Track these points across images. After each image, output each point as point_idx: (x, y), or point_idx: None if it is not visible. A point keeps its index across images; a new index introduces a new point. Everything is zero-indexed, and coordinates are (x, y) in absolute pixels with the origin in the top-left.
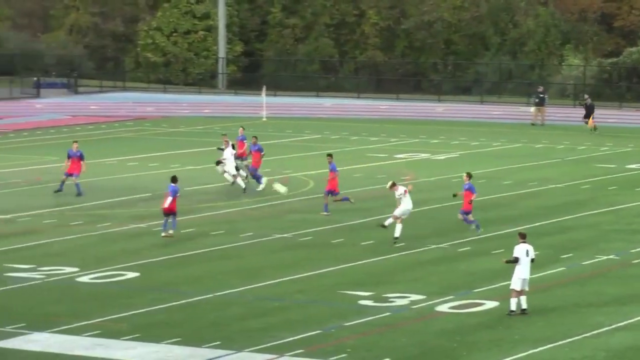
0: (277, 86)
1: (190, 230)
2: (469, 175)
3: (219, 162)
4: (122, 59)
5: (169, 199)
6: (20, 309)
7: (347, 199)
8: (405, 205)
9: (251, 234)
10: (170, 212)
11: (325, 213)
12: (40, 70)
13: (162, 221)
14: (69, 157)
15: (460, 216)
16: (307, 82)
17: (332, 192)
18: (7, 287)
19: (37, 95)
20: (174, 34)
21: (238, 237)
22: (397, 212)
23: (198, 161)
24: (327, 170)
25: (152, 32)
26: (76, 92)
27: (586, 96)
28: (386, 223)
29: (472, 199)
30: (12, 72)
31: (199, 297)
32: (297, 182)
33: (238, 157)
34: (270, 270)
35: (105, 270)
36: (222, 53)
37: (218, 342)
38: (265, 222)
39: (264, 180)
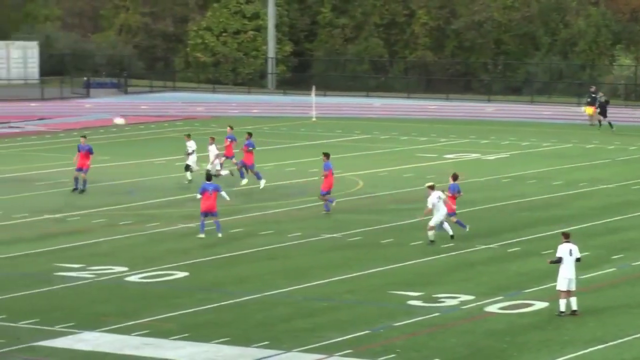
0: (327, 86)
1: (238, 230)
2: (455, 177)
3: (188, 167)
4: (172, 59)
5: (200, 195)
6: (69, 308)
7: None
8: (440, 212)
9: (299, 234)
10: (209, 212)
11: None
12: (90, 70)
13: (210, 222)
14: (79, 151)
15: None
16: (356, 82)
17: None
18: (57, 287)
19: (87, 95)
20: (224, 34)
21: (286, 237)
22: (432, 222)
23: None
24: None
25: (201, 32)
26: (126, 92)
27: (601, 94)
28: (432, 239)
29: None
30: (62, 72)
31: (247, 297)
32: (346, 182)
33: (225, 155)
34: (318, 270)
35: (154, 270)
36: (271, 53)
37: (266, 342)
38: (313, 222)
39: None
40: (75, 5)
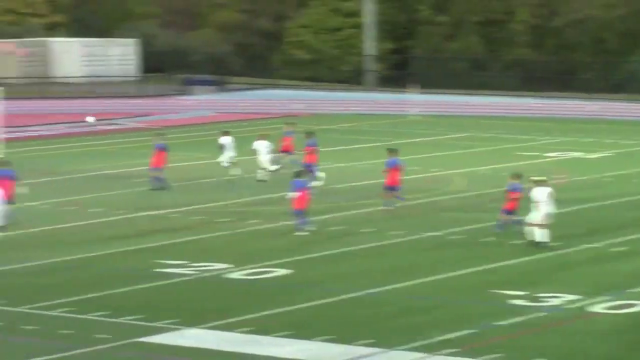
0: (426, 84)
1: (340, 227)
2: (516, 176)
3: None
4: (270, 57)
5: (295, 194)
6: (172, 305)
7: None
8: (546, 209)
9: (401, 232)
10: (300, 210)
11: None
12: (189, 67)
13: (308, 219)
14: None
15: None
16: (456, 80)
17: (392, 188)
18: (159, 283)
19: (186, 93)
20: (322, 32)
21: (388, 235)
22: (538, 219)
23: (347, 158)
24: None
25: (299, 30)
26: (225, 90)
27: None
28: (533, 238)
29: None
30: (161, 70)
31: (351, 295)
32: (446, 180)
33: (283, 151)
34: (421, 268)
35: (256, 267)
36: (370, 50)
37: (370, 340)
38: (415, 220)
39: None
40: (174, 3)
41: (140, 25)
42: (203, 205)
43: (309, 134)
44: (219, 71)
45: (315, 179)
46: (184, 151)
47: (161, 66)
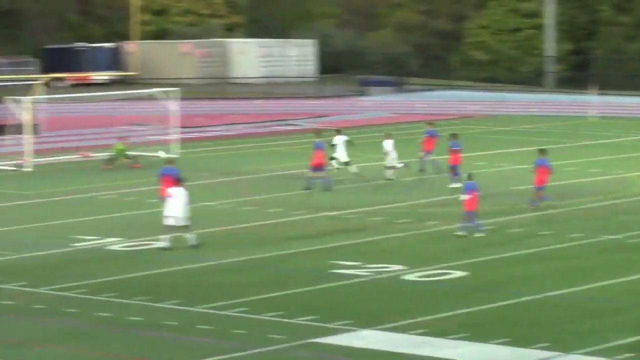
0: (607, 85)
1: (518, 230)
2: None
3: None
4: (448, 57)
5: (466, 196)
6: (347, 306)
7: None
8: None
9: (580, 234)
10: (471, 211)
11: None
12: (367, 68)
13: (479, 221)
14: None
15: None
16: (637, 81)
17: (538, 188)
18: (334, 284)
19: (364, 93)
20: (501, 32)
21: (566, 238)
22: None
23: (524, 160)
24: None
25: (478, 30)
26: (402, 91)
27: None
28: None
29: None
30: (338, 70)
31: (528, 297)
32: (628, 182)
33: (425, 151)
34: (600, 271)
35: (432, 268)
36: (550, 51)
37: (547, 344)
38: (594, 222)
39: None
40: (352, 3)
41: (318, 26)
42: (382, 206)
43: (453, 135)
44: (396, 72)
45: (457, 180)
46: (362, 152)
47: (339, 67)
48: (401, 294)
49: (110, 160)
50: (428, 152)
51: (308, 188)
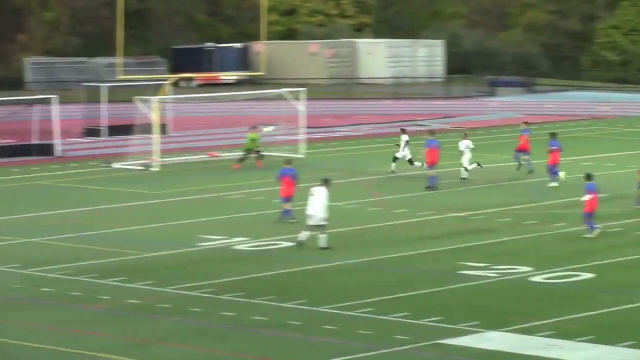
0: None
1: None
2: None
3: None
4: (579, 58)
5: (589, 197)
6: (473, 307)
7: None
8: None
9: None
10: (590, 212)
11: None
12: (496, 68)
13: (599, 223)
14: (427, 146)
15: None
16: None
17: None
18: (461, 285)
19: (492, 94)
20: (633, 33)
21: None
22: None
23: None
24: None
25: (609, 31)
26: (532, 91)
27: None
28: None
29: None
30: (467, 71)
31: None
32: None
33: (520, 150)
34: None
35: (559, 270)
36: None
37: None
38: None
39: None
40: (482, 4)
41: (448, 26)
42: (509, 208)
43: (553, 135)
44: (525, 72)
45: (556, 180)
46: (491, 153)
47: (467, 67)
48: (528, 296)
49: (241, 160)
50: (525, 152)
51: (430, 188)
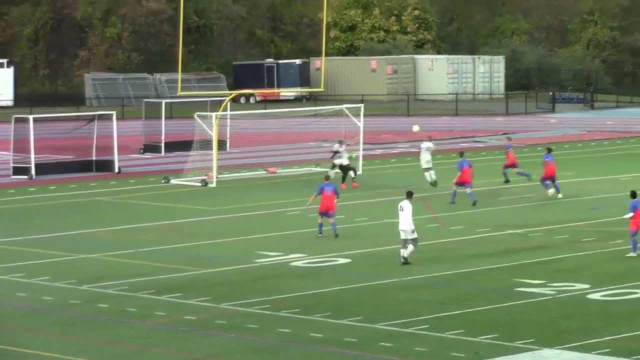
0: None
1: None
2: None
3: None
4: None
5: (630, 215)
6: (530, 325)
7: None
8: None
9: None
10: (635, 231)
11: None
12: (556, 84)
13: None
14: (460, 168)
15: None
16: None
17: None
18: (518, 302)
19: (552, 110)
20: None
21: None
22: None
23: None
24: None
25: None
26: (592, 108)
27: None
28: None
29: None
30: (527, 87)
31: None
32: None
33: (508, 165)
34: None
35: (617, 287)
36: None
37: None
38: None
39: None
40: (543, 19)
41: (508, 42)
42: (567, 224)
43: (549, 150)
44: (586, 89)
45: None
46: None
47: (528, 83)
48: (586, 313)
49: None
50: (514, 166)
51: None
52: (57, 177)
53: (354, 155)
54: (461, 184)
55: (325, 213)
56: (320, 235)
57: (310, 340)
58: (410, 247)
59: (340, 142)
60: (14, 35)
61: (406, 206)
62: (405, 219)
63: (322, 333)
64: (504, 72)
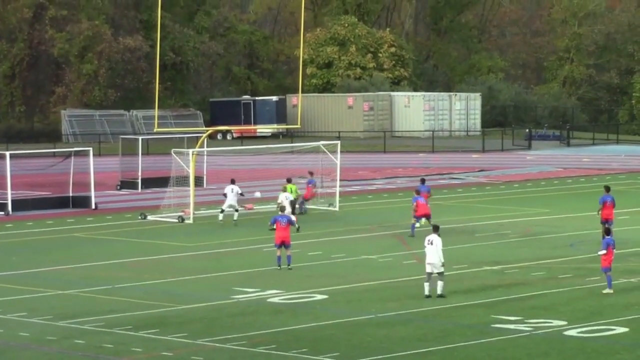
0: None
1: None
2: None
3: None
4: (616, 111)
5: (603, 252)
6: None
7: None
8: None
9: None
10: (607, 267)
11: None
12: (532, 121)
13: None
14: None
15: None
16: None
17: None
18: (494, 339)
19: (529, 147)
20: None
21: None
22: None
23: None
24: None
25: None
26: (568, 145)
27: None
28: None
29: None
30: (503, 124)
31: None
32: None
33: (305, 198)
34: None
35: (594, 324)
36: None
37: None
38: None
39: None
40: (519, 57)
41: (485, 79)
42: (544, 261)
43: (422, 180)
44: (562, 126)
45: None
46: (525, 206)
47: (504, 120)
48: (562, 350)
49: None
50: (307, 199)
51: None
52: (34, 214)
53: (298, 191)
54: (419, 217)
55: (282, 244)
56: (279, 268)
57: None
58: (440, 283)
59: (311, 173)
60: None
61: (435, 240)
62: (435, 252)
63: None
64: (481, 109)
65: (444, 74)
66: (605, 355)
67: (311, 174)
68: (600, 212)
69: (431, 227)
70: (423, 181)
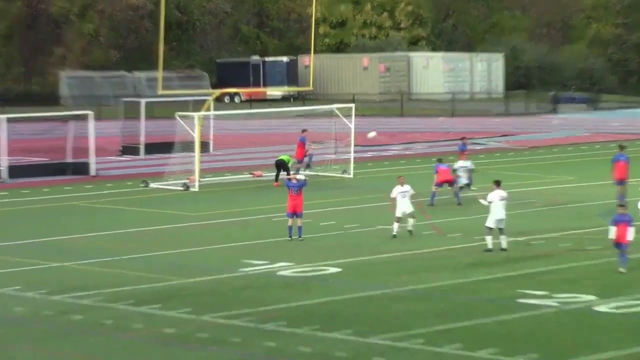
0: None
1: None
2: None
3: None
4: None
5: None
6: (532, 339)
7: None
8: None
9: None
10: (620, 244)
11: None
12: (558, 84)
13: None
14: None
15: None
16: None
17: None
18: (520, 314)
19: (554, 111)
20: None
21: None
22: None
23: None
24: None
25: None
26: (596, 108)
27: None
28: None
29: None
30: (527, 86)
31: None
32: None
33: (296, 158)
34: None
35: (624, 299)
36: None
37: None
38: None
39: None
40: (544, 16)
41: (508, 39)
42: (570, 232)
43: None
44: (590, 88)
45: None
46: (551, 173)
47: (528, 82)
48: (592, 326)
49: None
50: (300, 160)
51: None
52: (31, 181)
53: (292, 160)
54: (440, 184)
55: (294, 214)
56: (290, 239)
57: (297, 355)
58: (503, 236)
59: (304, 131)
60: None
61: (504, 194)
62: (500, 208)
63: (310, 347)
64: (503, 70)
65: (464, 33)
66: (636, 331)
67: (303, 131)
68: (613, 173)
69: (493, 184)
70: (463, 140)
